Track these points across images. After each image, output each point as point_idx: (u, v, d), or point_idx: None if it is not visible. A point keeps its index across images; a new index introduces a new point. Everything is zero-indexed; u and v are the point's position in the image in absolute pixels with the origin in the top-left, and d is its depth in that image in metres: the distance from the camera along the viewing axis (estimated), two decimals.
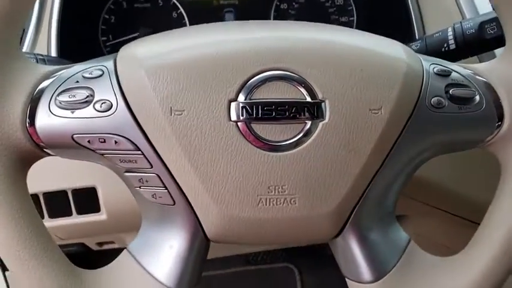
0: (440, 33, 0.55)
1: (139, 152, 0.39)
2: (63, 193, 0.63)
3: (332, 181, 0.39)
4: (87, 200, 0.64)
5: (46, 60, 0.51)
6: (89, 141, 0.39)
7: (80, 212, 0.65)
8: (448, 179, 0.65)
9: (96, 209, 0.65)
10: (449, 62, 0.44)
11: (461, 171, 0.65)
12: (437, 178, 0.64)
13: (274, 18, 0.79)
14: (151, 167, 0.39)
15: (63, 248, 0.81)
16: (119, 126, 0.39)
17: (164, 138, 0.38)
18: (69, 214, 0.65)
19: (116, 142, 0.39)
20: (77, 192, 0.63)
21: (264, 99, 0.38)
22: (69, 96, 0.39)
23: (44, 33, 0.63)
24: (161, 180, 0.39)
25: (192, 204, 0.40)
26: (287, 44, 0.40)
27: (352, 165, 0.39)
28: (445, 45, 0.54)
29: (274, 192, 0.39)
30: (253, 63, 0.38)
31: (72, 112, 0.39)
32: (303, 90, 0.39)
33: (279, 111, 0.38)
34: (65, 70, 0.41)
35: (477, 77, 0.43)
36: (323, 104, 0.39)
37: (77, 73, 0.41)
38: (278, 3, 0.79)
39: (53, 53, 0.61)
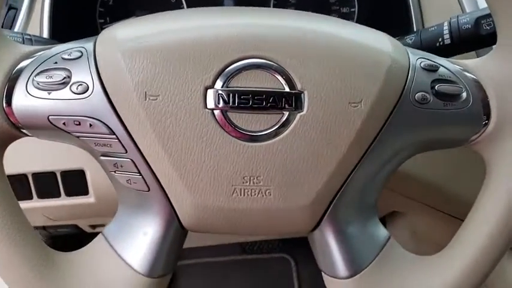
0: (435, 27, 0.53)
1: (114, 136, 0.39)
2: (52, 174, 0.63)
3: (308, 174, 0.38)
4: (75, 182, 0.64)
5: (33, 40, 0.51)
6: (64, 123, 0.39)
7: (69, 194, 0.65)
8: (443, 178, 0.64)
9: (84, 191, 0.64)
10: (438, 57, 0.43)
11: (458, 171, 0.64)
12: (433, 177, 0.63)
13: (275, 6, 0.77)
14: (126, 152, 0.39)
15: (56, 229, 0.83)
16: (94, 109, 0.38)
17: (138, 123, 0.38)
18: (58, 195, 0.65)
19: (90, 125, 0.39)
20: (65, 174, 0.63)
21: (242, 88, 0.38)
22: (46, 77, 0.39)
23: (37, 14, 0.62)
24: (136, 165, 0.39)
25: (167, 192, 0.39)
26: (267, 31, 0.39)
27: (329, 159, 0.38)
28: (440, 40, 0.52)
29: (249, 182, 0.38)
30: (231, 50, 0.38)
31: (49, 93, 0.39)
32: (281, 80, 0.38)
33: (256, 100, 0.37)
34: (45, 51, 0.41)
35: (466, 73, 0.42)
36: (302, 95, 0.38)
37: (56, 54, 0.40)
38: None
39: (45, 34, 0.61)
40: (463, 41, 0.51)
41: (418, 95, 0.40)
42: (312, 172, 0.38)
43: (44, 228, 0.82)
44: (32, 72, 0.39)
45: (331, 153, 0.38)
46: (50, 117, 0.39)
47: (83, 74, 0.39)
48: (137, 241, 0.41)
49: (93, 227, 0.84)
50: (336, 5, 0.78)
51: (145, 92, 0.37)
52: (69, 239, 0.90)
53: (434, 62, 0.42)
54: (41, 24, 0.61)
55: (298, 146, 0.38)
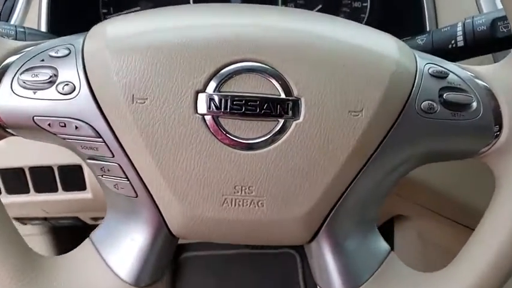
0: (449, 27, 0.50)
1: (101, 139, 0.37)
2: (49, 169, 0.62)
3: (304, 185, 0.36)
4: (73, 177, 0.63)
5: (27, 33, 0.49)
6: (49, 125, 0.37)
7: (66, 188, 0.64)
8: (451, 185, 0.61)
9: (82, 187, 0.63)
10: (448, 62, 0.40)
11: (465, 178, 0.61)
12: (440, 184, 0.61)
13: (282, 1, 0.75)
14: (113, 156, 0.37)
15: (57, 221, 0.82)
16: (81, 111, 0.37)
17: (126, 127, 0.36)
18: (55, 190, 0.64)
19: (76, 127, 0.37)
20: (63, 168, 0.62)
21: (234, 93, 0.36)
22: (32, 76, 0.37)
23: (36, 4, 0.60)
24: (123, 170, 0.37)
25: (155, 199, 0.37)
26: (263, 33, 0.37)
27: (326, 170, 0.36)
28: (453, 42, 0.49)
29: (241, 192, 0.36)
30: (224, 52, 0.35)
31: (34, 93, 0.37)
32: (277, 85, 0.36)
33: (250, 106, 0.35)
34: (32, 47, 0.39)
35: (477, 80, 0.39)
36: (298, 101, 0.35)
37: (44, 51, 0.38)
38: None
39: (43, 26, 0.59)
40: (478, 43, 0.48)
41: (425, 104, 0.37)
42: (307, 183, 0.36)
43: (45, 219, 0.82)
44: (17, 70, 0.37)
45: (329, 163, 0.36)
46: (34, 117, 0.37)
47: (69, 74, 0.37)
48: (125, 248, 0.39)
49: (95, 219, 0.83)
50: None
51: (133, 95, 0.35)
52: (72, 230, 0.89)
53: (443, 68, 0.39)
54: (39, 15, 0.60)
55: (293, 156, 0.36)
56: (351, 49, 0.37)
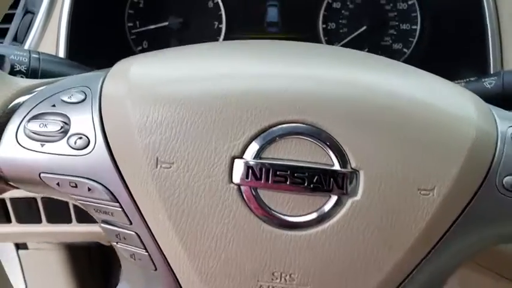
0: None
1: (117, 204, 0.31)
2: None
3: (356, 275, 0.30)
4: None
5: (41, 59, 0.43)
6: (58, 184, 0.32)
7: (80, 220, 0.59)
8: None
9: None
10: None
11: None
12: None
13: (325, 18, 0.68)
14: (131, 223, 0.31)
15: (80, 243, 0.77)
16: (95, 170, 0.31)
17: (147, 194, 0.30)
18: (69, 221, 0.59)
19: (89, 189, 0.31)
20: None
21: (278, 161, 0.29)
22: (40, 125, 0.32)
23: (56, 19, 0.55)
24: (141, 240, 0.32)
25: (177, 276, 0.31)
26: (316, 86, 0.30)
27: (385, 259, 0.30)
28: None
29: (280, 279, 0.30)
30: (268, 112, 0.29)
31: (42, 145, 0.32)
32: (330, 153, 0.29)
33: (296, 178, 0.29)
34: (43, 87, 0.34)
35: None
36: (356, 175, 0.29)
37: (55, 94, 0.33)
38: (330, 1, 0.68)
39: (62, 43, 0.53)
40: None
41: (508, 180, 0.30)
42: (362, 272, 0.30)
43: None
44: (24, 116, 0.32)
45: (390, 251, 0.29)
46: (41, 174, 0.32)
47: (83, 125, 0.31)
48: None
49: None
50: (395, 19, 0.68)
51: (157, 158, 0.29)
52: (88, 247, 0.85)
53: None
54: (59, 31, 0.54)
55: (346, 239, 0.29)
56: (424, 112, 0.30)
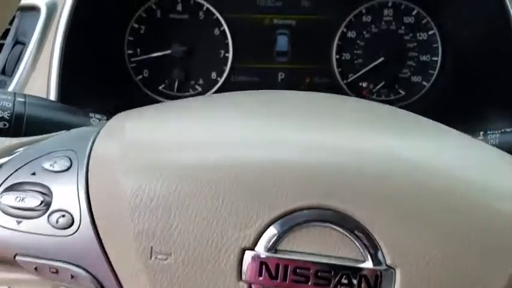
0: None
1: None
2: None
3: None
4: None
5: (27, 104, 0.39)
6: (36, 269, 0.27)
7: None
8: None
9: None
10: None
11: None
12: None
13: (339, 48, 0.63)
14: None
15: None
16: (79, 254, 0.27)
17: None
18: None
19: (72, 276, 0.27)
20: None
21: (298, 255, 0.25)
22: (16, 199, 0.27)
23: (48, 50, 0.50)
24: None
25: None
26: (345, 163, 0.25)
27: None
28: None
29: None
30: (286, 194, 0.25)
31: (18, 222, 0.27)
32: (360, 247, 0.24)
33: (320, 278, 0.24)
34: (21, 151, 0.29)
35: None
36: (392, 273, 0.24)
37: (36, 158, 0.28)
38: (345, 30, 0.63)
39: (54, 75, 0.49)
40: None
41: None
42: None
43: None
44: None
45: None
46: (17, 257, 0.27)
47: (67, 199, 0.27)
48: None
49: None
50: (414, 50, 0.63)
51: (152, 248, 0.25)
52: None
53: None
54: (51, 62, 0.49)
55: None
56: (478, 198, 0.25)
